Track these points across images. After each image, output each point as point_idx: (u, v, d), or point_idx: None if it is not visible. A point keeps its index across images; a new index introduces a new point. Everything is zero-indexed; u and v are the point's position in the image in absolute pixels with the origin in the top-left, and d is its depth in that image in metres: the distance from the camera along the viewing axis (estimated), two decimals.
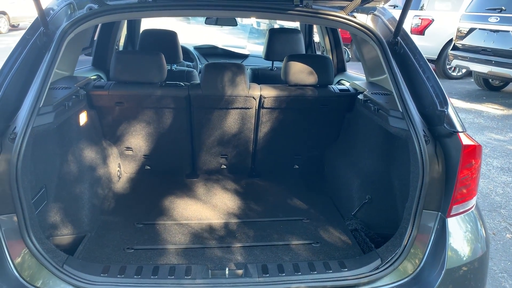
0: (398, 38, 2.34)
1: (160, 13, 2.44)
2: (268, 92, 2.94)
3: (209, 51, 5.43)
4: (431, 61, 10.12)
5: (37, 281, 1.84)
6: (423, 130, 1.99)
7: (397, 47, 2.33)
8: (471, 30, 8.59)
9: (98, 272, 1.96)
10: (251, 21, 16.99)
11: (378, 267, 1.98)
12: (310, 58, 3.20)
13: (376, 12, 2.54)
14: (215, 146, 3.21)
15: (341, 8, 2.40)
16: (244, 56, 5.46)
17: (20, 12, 17.46)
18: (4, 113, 1.90)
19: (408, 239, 1.98)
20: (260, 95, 2.94)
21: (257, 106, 2.99)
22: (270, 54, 3.86)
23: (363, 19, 2.48)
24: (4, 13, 16.70)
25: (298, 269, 2.01)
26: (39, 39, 2.15)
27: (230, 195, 3.09)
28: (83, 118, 2.74)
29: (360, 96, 2.85)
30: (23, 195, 1.86)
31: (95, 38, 3.87)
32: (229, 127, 3.11)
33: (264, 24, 17.89)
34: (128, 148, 3.19)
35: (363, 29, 2.36)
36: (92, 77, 3.33)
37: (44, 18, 2.13)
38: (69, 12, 2.41)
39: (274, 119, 3.08)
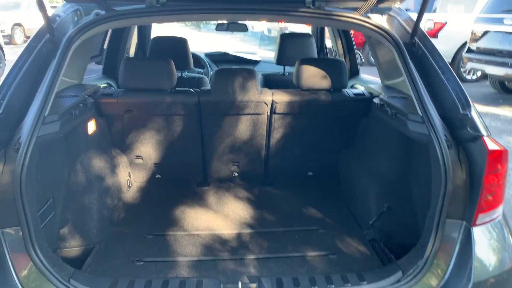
0: (415, 39, 2.24)
1: (168, 18, 2.39)
2: (280, 97, 2.86)
3: (220, 58, 5.38)
4: None
5: None
6: (445, 134, 1.89)
7: (414, 48, 2.24)
8: (486, 33, 8.41)
9: (106, 286, 1.89)
10: (262, 28, 17.00)
11: (400, 280, 1.87)
12: (323, 61, 3.12)
13: (391, 13, 2.45)
14: (226, 153, 3.13)
15: (355, 10, 2.31)
16: (255, 62, 5.40)
17: (35, 24, 17.71)
18: (9, 123, 1.85)
19: (431, 250, 1.87)
20: (272, 100, 2.85)
21: (269, 111, 2.91)
22: (281, 59, 3.79)
23: (378, 20, 2.39)
24: (19, 24, 17.00)
25: (315, 282, 1.91)
26: (45, 46, 2.10)
27: (242, 204, 3.00)
28: (91, 126, 2.69)
29: (376, 100, 2.75)
30: (27, 207, 1.80)
31: (105, 46, 3.84)
32: (240, 134, 3.03)
33: (275, 30, 17.92)
34: (138, 157, 3.13)
35: (379, 30, 2.27)
36: (102, 85, 3.29)
37: (50, 25, 2.09)
38: (76, 19, 2.37)
39: (286, 125, 3.00)
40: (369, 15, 2.40)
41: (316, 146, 3.14)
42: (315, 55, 3.89)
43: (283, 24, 16.84)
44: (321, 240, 2.52)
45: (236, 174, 3.28)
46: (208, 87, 3.92)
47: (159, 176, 3.25)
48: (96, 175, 2.65)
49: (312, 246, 2.45)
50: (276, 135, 3.04)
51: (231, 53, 5.54)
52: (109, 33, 3.75)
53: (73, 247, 2.38)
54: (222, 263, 2.30)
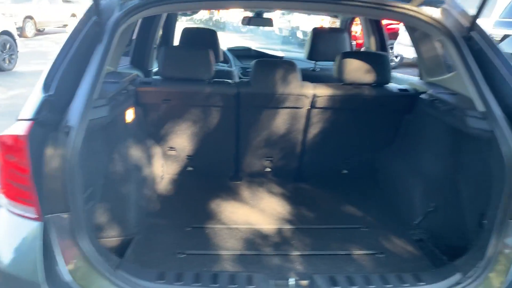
0: (473, 33, 2.16)
1: (218, 4, 2.32)
2: (322, 91, 2.78)
3: (243, 53, 5.31)
4: None
5: (89, 286, 1.71)
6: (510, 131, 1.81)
7: (471, 43, 2.16)
8: (505, 37, 8.33)
9: (153, 278, 1.82)
10: (273, 28, 17.04)
11: (460, 282, 1.79)
12: (366, 55, 3.04)
13: (445, 6, 2.37)
14: (261, 147, 3.06)
15: (409, 1, 2.24)
16: (278, 58, 5.33)
17: (46, 17, 17.74)
18: (59, 105, 1.78)
19: (493, 252, 1.79)
20: (314, 94, 2.78)
21: (309, 105, 2.84)
22: (313, 54, 3.69)
23: (431, 12, 2.32)
24: (31, 17, 16.99)
25: (370, 281, 1.83)
26: (92, 28, 2.04)
27: (277, 199, 2.93)
28: (130, 115, 2.62)
29: (424, 96, 2.67)
30: (77, 193, 1.74)
31: (134, 37, 3.78)
32: (277, 128, 2.96)
33: (286, 30, 17.82)
34: (172, 148, 3.06)
35: (434, 22, 2.19)
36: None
37: (98, 7, 2.02)
38: (121, 2, 2.30)
39: (325, 120, 2.92)
40: (422, 7, 2.33)
41: (354, 143, 3.06)
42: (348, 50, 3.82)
43: (294, 23, 16.82)
44: (365, 239, 2.44)
45: (269, 169, 3.21)
46: (237, 80, 3.86)
47: (191, 168, 3.18)
48: (133, 165, 2.58)
49: (357, 244, 2.38)
50: (314, 130, 2.97)
51: (253, 48, 5.47)
52: (138, 24, 3.69)
53: (111, 237, 2.32)
54: (266, 258, 2.23)
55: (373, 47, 3.98)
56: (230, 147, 3.06)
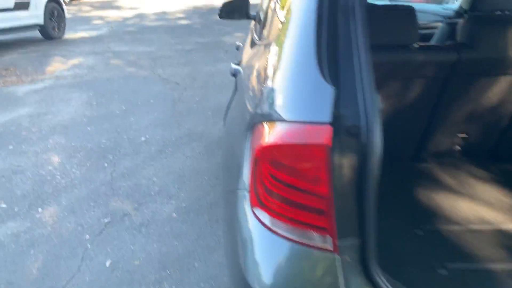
0: None
1: None
2: None
3: None
4: None
5: None
6: None
7: None
8: None
9: None
10: None
11: None
12: None
13: None
14: (458, 123, 2.54)
15: None
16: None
17: None
18: (337, 97, 1.28)
19: None
20: None
21: None
22: (478, 2, 3.04)
23: None
24: None
25: None
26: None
27: (491, 186, 2.43)
28: None
29: None
30: (372, 212, 1.29)
31: None
32: (486, 99, 2.41)
33: None
34: None
35: None
36: None
37: None
38: None
39: None
40: None
41: None
42: None
43: None
44: None
45: (459, 148, 2.70)
46: None
47: None
48: None
49: None
50: None
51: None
52: None
53: None
54: None
55: None
56: (420, 124, 2.55)
